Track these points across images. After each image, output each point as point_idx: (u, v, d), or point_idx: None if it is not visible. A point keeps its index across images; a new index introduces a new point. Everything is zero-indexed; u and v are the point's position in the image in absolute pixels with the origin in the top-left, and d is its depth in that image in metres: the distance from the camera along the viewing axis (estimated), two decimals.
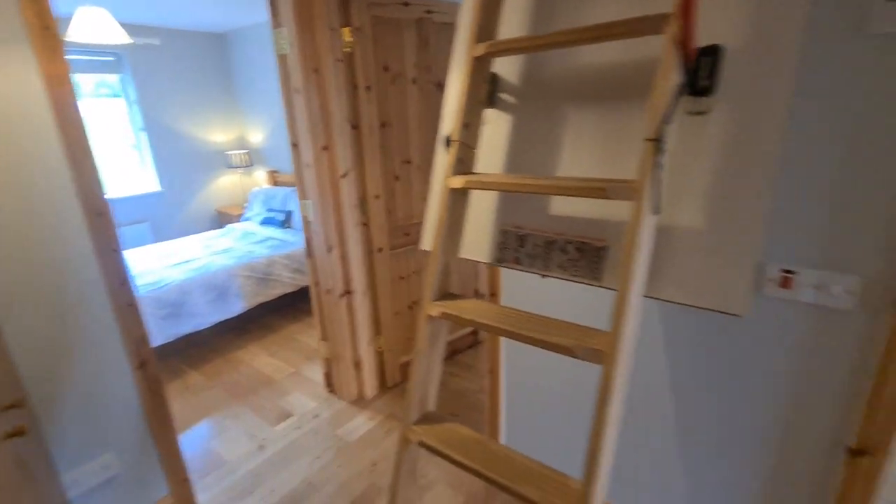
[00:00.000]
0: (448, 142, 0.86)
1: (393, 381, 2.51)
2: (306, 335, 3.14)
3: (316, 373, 2.67)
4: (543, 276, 0.84)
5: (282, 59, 1.97)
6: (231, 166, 4.57)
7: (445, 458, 0.80)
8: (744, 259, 0.65)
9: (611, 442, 0.64)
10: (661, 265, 0.70)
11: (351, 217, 2.13)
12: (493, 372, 1.73)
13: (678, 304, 0.69)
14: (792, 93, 0.66)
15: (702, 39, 0.69)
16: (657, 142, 0.61)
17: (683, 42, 0.60)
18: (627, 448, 1.44)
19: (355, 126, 2.07)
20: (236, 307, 2.97)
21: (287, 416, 2.30)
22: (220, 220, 4.66)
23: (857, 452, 1.05)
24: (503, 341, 1.67)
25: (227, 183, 4.75)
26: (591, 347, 0.63)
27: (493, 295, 1.58)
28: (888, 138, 0.89)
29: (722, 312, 0.66)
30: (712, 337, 1.20)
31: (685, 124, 0.70)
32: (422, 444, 0.83)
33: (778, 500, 1.20)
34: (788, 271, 1.04)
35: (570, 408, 1.55)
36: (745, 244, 0.65)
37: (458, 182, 0.82)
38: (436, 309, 0.82)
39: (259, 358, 2.87)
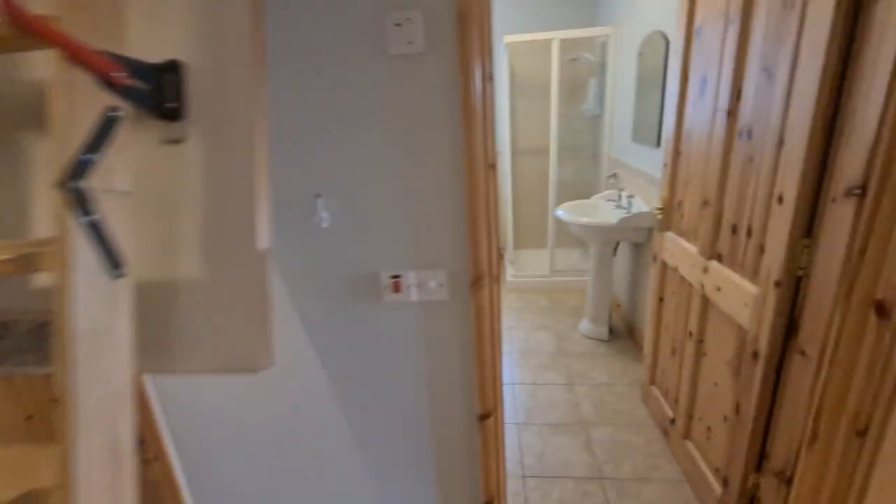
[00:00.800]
0: None
1: None
2: None
3: None
4: (45, 375, 0.61)
5: None
6: None
7: None
8: (253, 307, 0.57)
9: None
10: (160, 334, 0.56)
11: None
12: (160, 458, 1.39)
13: (198, 373, 0.58)
14: (264, 115, 0.62)
15: (160, 53, 0.58)
16: (71, 187, 0.46)
17: (76, 55, 0.46)
18: (302, 453, 1.35)
19: None
20: None
21: None
22: None
23: (483, 416, 1.21)
24: (165, 419, 1.34)
25: None
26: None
27: None
28: (416, 149, 1.00)
29: (242, 373, 0.57)
30: (359, 344, 1.20)
31: (162, 156, 0.58)
32: None
33: (444, 463, 1.30)
34: (396, 276, 1.10)
35: (255, 463, 1.37)
36: (253, 290, 0.57)
37: None
38: None
39: None
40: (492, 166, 1.00)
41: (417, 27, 0.91)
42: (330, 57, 0.97)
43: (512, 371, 2.53)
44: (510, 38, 3.07)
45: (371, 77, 0.97)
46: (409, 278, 1.10)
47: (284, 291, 1.14)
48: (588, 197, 3.24)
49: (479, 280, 1.07)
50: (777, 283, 1.17)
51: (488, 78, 0.93)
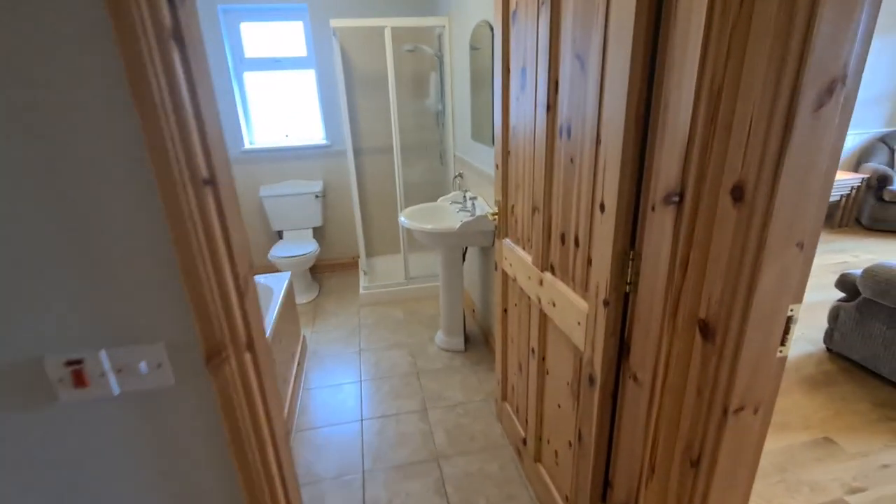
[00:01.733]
0: None
1: None
2: None
3: None
4: None
5: None
6: None
7: None
8: None
9: None
10: None
11: None
12: None
13: None
14: None
15: None
16: None
17: None
18: None
19: None
20: None
21: None
22: None
23: None
24: None
25: None
26: None
27: None
28: (73, 149, 0.60)
29: None
30: (33, 477, 0.74)
31: None
32: None
33: None
34: (75, 361, 0.68)
35: None
36: None
37: None
38: None
39: None
40: (208, 182, 0.64)
41: None
42: None
43: (359, 405, 2.20)
44: (337, 23, 2.71)
45: None
46: (101, 362, 0.69)
47: None
48: (437, 199, 3.06)
49: (217, 352, 0.71)
50: (605, 302, 1.03)
51: (170, 33, 0.57)
